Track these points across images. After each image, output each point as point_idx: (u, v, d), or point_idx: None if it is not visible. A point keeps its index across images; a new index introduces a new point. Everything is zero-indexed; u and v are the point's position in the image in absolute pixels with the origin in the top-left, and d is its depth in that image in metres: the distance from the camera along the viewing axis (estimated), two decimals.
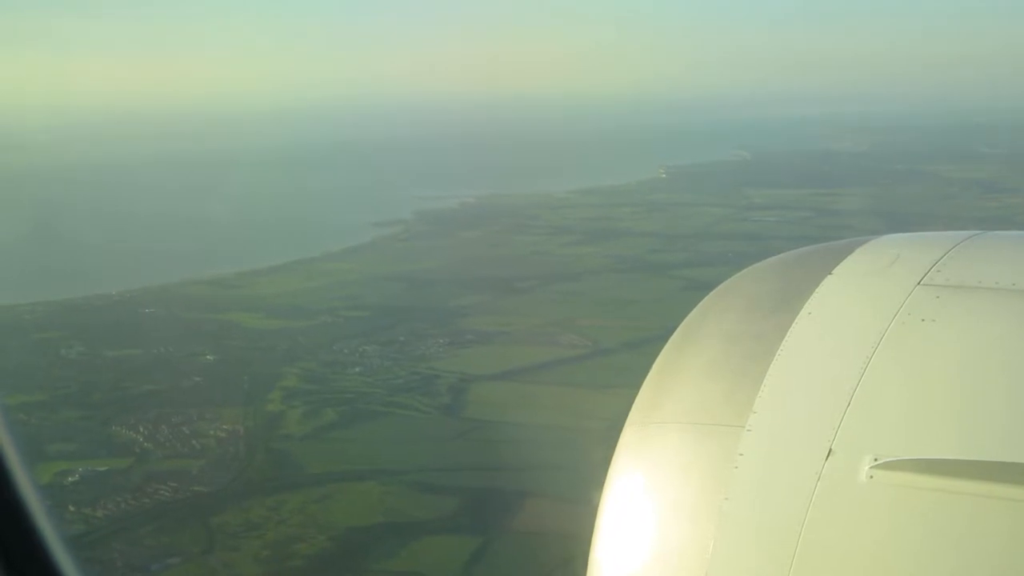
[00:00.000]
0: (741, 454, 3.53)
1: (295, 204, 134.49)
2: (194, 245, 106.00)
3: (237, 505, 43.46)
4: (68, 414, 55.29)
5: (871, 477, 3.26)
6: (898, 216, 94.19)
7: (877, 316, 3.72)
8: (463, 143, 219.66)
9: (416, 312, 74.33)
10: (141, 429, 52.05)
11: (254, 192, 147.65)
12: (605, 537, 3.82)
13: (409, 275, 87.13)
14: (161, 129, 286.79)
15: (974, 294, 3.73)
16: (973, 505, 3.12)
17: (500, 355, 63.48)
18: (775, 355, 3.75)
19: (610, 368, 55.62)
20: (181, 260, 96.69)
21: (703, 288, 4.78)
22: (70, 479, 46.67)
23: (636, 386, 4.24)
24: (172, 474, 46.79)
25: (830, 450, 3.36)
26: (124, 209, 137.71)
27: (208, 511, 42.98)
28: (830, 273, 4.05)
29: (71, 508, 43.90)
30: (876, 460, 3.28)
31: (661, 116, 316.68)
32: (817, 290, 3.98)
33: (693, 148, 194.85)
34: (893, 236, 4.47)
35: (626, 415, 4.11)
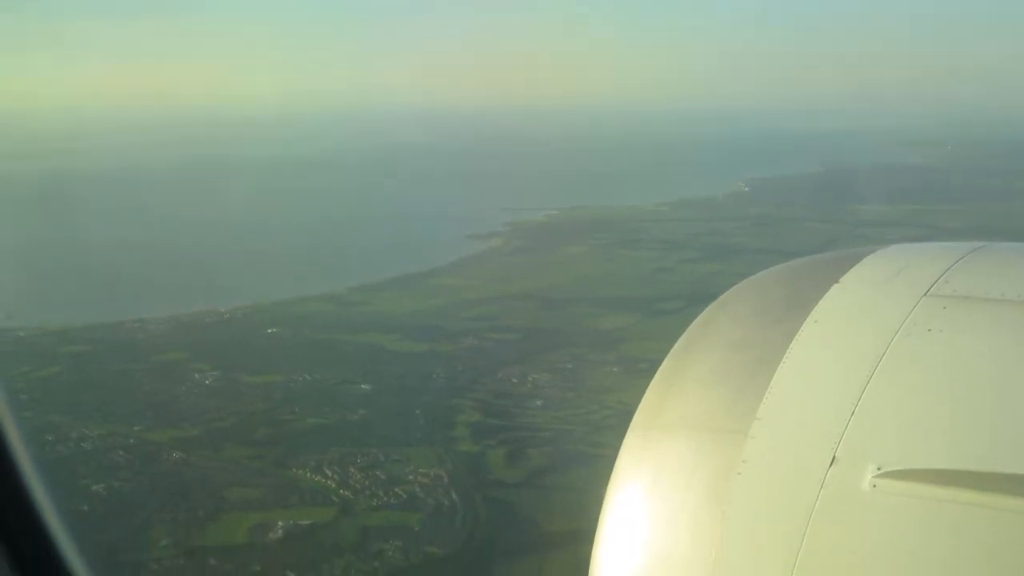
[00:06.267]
0: (744, 461, 3.38)
1: (374, 212, 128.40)
2: (286, 257, 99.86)
3: (490, 574, 37.09)
4: (234, 452, 48.91)
5: (875, 486, 3.15)
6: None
7: (883, 326, 3.60)
8: (515, 152, 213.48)
9: (568, 335, 68.11)
10: (328, 472, 45.73)
11: (322, 199, 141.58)
12: (606, 543, 3.59)
13: (536, 293, 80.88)
14: (167, 134, 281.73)
15: (981, 305, 3.64)
16: (977, 516, 3.01)
17: None
18: (780, 362, 3.60)
19: None
20: (279, 273, 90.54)
21: None
22: (271, 535, 40.36)
23: None
24: (391, 531, 40.35)
25: (834, 458, 3.24)
26: (182, 216, 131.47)
27: None
28: (837, 282, 3.90)
29: (290, 575, 37.61)
30: (880, 469, 3.17)
31: (711, 127, 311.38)
32: (824, 298, 3.82)
33: (762, 160, 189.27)
34: (901, 246, 4.33)
35: None
